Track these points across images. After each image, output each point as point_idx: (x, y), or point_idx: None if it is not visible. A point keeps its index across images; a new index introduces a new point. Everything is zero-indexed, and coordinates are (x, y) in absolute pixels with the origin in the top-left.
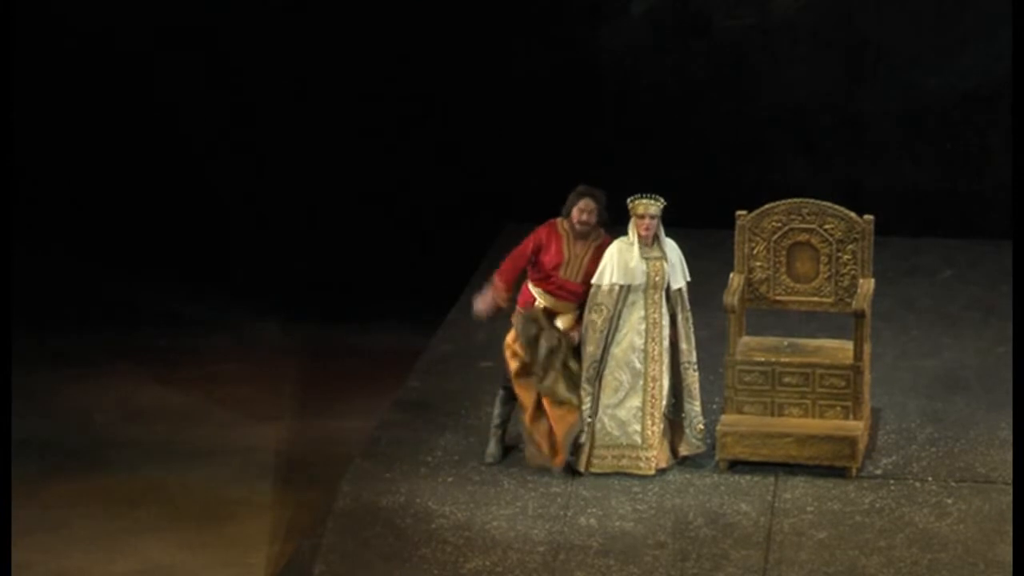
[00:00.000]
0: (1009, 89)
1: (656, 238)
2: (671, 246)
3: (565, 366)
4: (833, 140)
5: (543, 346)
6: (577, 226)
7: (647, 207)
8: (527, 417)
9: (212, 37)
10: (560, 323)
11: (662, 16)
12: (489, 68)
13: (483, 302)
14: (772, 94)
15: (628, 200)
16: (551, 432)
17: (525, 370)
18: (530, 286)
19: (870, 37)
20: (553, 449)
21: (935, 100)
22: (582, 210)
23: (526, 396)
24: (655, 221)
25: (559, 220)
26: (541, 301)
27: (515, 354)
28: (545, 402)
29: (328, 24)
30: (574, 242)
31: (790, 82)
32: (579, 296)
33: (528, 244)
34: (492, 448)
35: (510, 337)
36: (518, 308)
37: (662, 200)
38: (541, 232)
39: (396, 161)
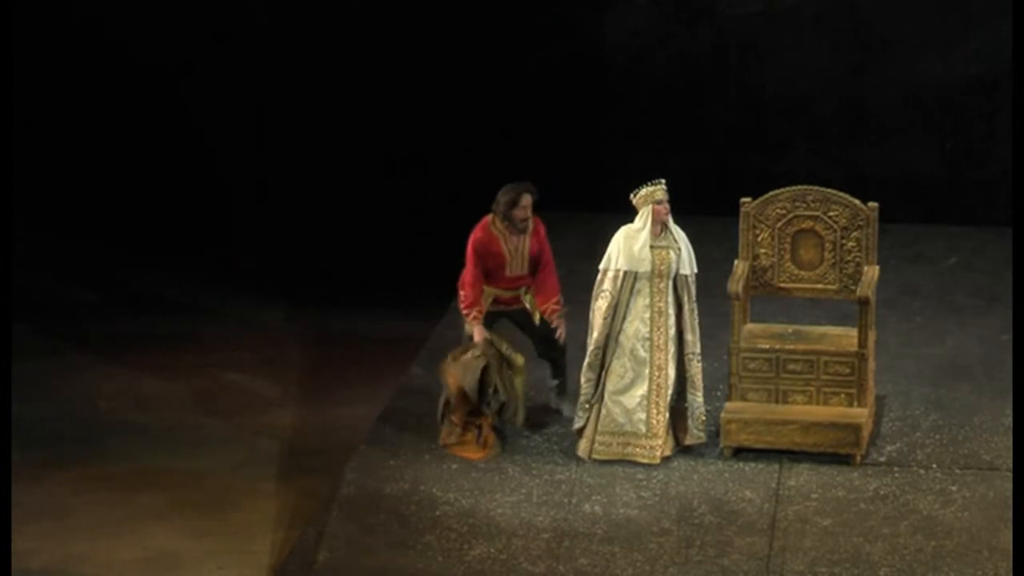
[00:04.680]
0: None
1: (664, 226)
2: (680, 235)
3: (500, 359)
4: (837, 127)
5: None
6: (519, 224)
7: (664, 192)
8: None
9: (218, 31)
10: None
11: (667, 3)
12: (493, 57)
13: (478, 334)
14: (776, 82)
15: (637, 193)
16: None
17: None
18: None
19: (874, 25)
20: (483, 442)
21: (939, 87)
22: (524, 207)
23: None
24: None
25: (489, 220)
26: (489, 293)
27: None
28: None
29: (331, 17)
30: (510, 237)
31: (794, 70)
32: (526, 280)
33: (473, 260)
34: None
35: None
36: (461, 293)
37: (664, 182)
38: (477, 241)
39: (399, 150)
